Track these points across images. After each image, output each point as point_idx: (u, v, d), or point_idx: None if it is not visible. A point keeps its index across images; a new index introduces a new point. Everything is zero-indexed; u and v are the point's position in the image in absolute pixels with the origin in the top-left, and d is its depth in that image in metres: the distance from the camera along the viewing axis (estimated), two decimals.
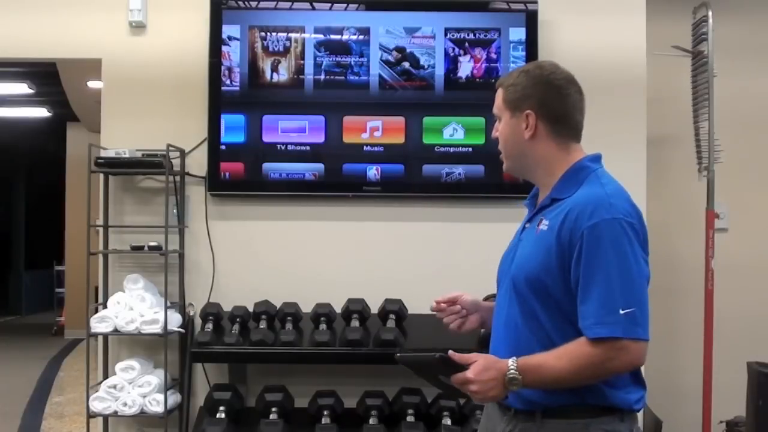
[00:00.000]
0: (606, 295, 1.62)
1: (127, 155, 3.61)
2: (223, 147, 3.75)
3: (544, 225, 1.74)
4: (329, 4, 3.80)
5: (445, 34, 3.79)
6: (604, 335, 1.61)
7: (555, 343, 1.68)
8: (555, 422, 1.70)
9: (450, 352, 1.63)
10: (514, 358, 1.65)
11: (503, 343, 1.77)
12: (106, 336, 3.67)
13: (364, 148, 3.76)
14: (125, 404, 3.49)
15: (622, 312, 1.61)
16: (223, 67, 3.75)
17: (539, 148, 1.80)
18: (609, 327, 1.61)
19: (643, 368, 1.72)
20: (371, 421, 3.46)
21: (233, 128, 3.75)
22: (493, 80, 3.75)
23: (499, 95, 1.84)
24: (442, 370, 1.67)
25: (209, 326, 3.58)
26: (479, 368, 1.64)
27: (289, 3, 3.79)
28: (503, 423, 1.76)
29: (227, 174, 3.75)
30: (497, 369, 1.64)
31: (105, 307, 3.65)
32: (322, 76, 3.77)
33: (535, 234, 1.76)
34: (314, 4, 3.80)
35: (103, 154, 3.67)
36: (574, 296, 1.67)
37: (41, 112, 8.81)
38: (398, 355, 1.74)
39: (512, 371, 1.63)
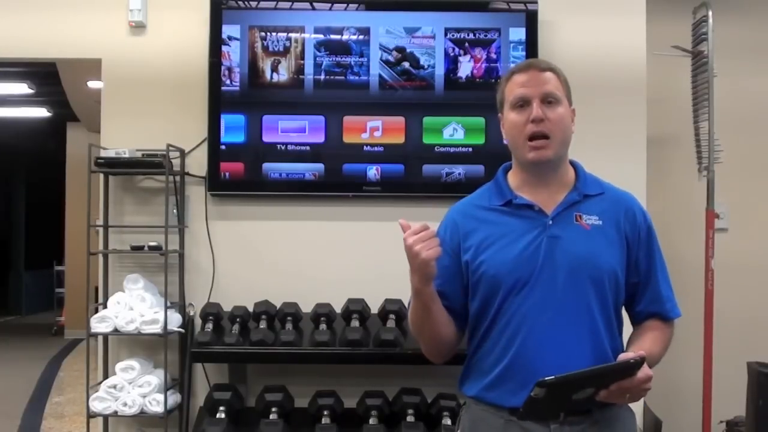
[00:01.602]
0: (669, 281, 1.87)
1: (127, 155, 3.61)
2: (223, 147, 3.75)
3: (592, 219, 1.78)
4: (329, 4, 3.80)
5: (445, 34, 3.79)
6: (681, 314, 1.86)
7: (614, 334, 1.80)
8: (609, 411, 1.73)
9: (642, 352, 1.63)
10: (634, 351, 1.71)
11: (580, 341, 1.73)
12: (106, 336, 3.67)
13: (364, 148, 3.76)
14: (125, 404, 3.49)
15: None
16: (223, 67, 3.75)
17: (570, 139, 1.85)
18: (678, 307, 1.87)
19: None
20: (371, 421, 3.46)
21: (233, 128, 3.75)
22: (493, 80, 3.77)
23: (555, 79, 1.80)
24: (614, 378, 1.60)
25: (209, 326, 3.58)
26: (646, 364, 1.63)
27: (289, 3, 3.79)
28: None
29: (227, 174, 3.75)
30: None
31: (105, 307, 3.65)
32: (322, 76, 3.77)
33: (584, 229, 1.77)
34: (314, 4, 3.80)
35: (103, 154, 3.67)
36: (627, 286, 1.81)
37: (41, 112, 8.82)
38: (552, 378, 1.52)
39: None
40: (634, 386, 1.60)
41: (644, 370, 1.60)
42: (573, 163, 1.89)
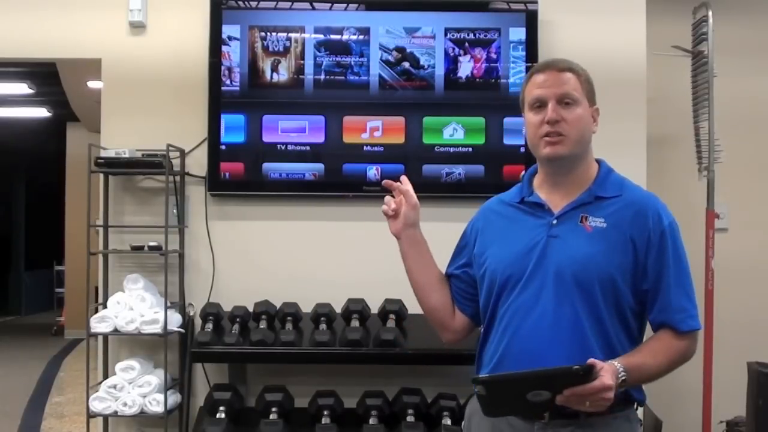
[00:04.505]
0: (690, 290, 1.76)
1: (127, 155, 3.61)
2: (223, 147, 3.75)
3: (596, 222, 1.75)
4: (329, 4, 3.80)
5: (445, 34, 3.79)
6: (696, 327, 1.75)
7: (611, 342, 1.72)
8: (600, 418, 1.69)
9: (591, 360, 1.57)
10: (616, 360, 1.64)
11: (560, 345, 1.70)
12: (106, 336, 3.67)
13: (364, 148, 3.76)
14: (125, 404, 3.49)
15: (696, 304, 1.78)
16: (223, 67, 3.75)
17: (590, 144, 1.85)
18: (696, 319, 1.75)
19: None
20: (371, 421, 3.46)
21: (233, 128, 3.75)
22: (493, 80, 3.77)
23: (574, 80, 1.79)
24: (563, 383, 1.55)
25: (209, 326, 3.58)
26: (610, 373, 1.58)
27: (289, 3, 3.79)
28: None
29: (227, 174, 3.75)
30: (613, 372, 1.60)
31: (105, 307, 3.65)
32: (322, 76, 3.77)
33: (585, 231, 1.75)
34: (314, 4, 3.80)
35: (103, 154, 3.67)
36: (636, 293, 1.74)
37: (41, 112, 8.81)
38: (486, 375, 1.57)
39: (622, 373, 1.62)
40: (588, 394, 1.54)
41: (601, 380, 1.55)
42: (599, 163, 1.88)
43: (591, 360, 1.56)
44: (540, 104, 1.78)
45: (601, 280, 1.71)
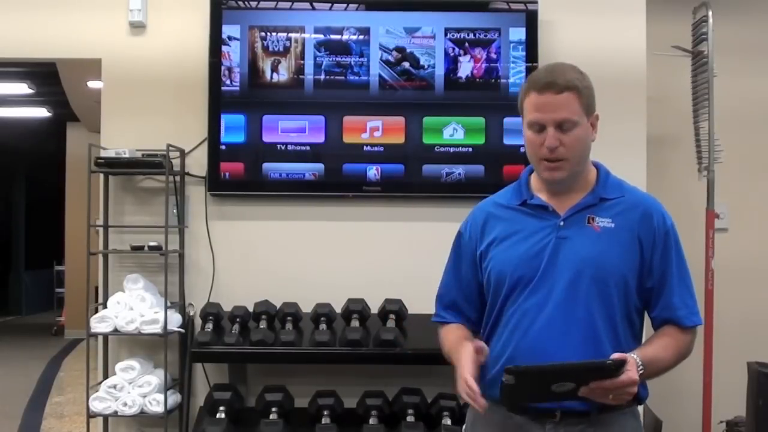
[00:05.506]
0: (691, 287, 1.81)
1: (127, 155, 3.61)
2: (223, 147, 3.75)
3: (604, 222, 1.78)
4: (329, 4, 3.80)
5: (445, 34, 3.79)
6: (699, 322, 1.81)
7: (620, 341, 1.75)
8: (609, 415, 1.72)
9: (619, 354, 1.62)
10: (634, 353, 1.67)
11: (573, 344, 1.71)
12: (106, 336, 3.67)
13: (364, 148, 3.76)
14: (125, 404, 3.49)
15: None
16: (223, 67, 3.75)
17: (589, 150, 1.84)
18: (698, 315, 1.81)
19: None
20: (371, 421, 3.46)
21: (233, 128, 3.75)
22: (493, 80, 3.77)
23: (575, 99, 1.76)
24: (593, 376, 1.59)
25: (209, 326, 3.58)
26: (635, 367, 1.62)
27: (289, 3, 3.79)
28: None
29: (227, 174, 3.75)
30: (636, 366, 1.63)
31: (105, 307, 3.65)
32: (322, 76, 3.77)
33: (594, 231, 1.77)
34: (314, 4, 3.80)
35: (103, 154, 3.67)
36: (640, 291, 1.78)
37: (41, 112, 8.81)
38: (517, 366, 1.59)
39: (641, 367, 1.65)
40: (615, 387, 1.60)
41: (628, 374, 1.59)
42: (597, 166, 1.89)
43: (620, 354, 1.61)
44: (539, 127, 1.78)
45: (616, 281, 1.75)
